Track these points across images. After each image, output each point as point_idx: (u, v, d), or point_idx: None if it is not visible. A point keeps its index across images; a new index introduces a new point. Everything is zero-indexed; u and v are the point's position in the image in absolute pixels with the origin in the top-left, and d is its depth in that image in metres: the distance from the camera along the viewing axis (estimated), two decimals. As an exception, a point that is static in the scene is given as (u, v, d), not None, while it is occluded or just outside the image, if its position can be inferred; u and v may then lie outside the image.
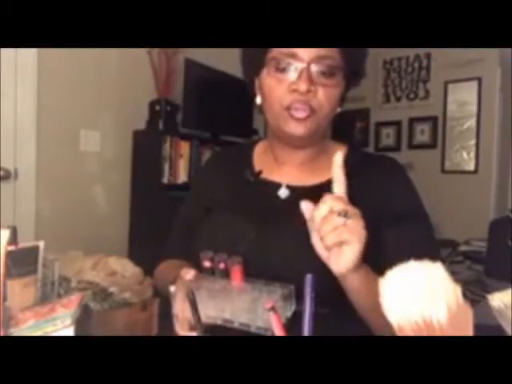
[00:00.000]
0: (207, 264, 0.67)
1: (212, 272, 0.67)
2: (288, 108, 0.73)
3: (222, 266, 0.65)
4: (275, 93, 0.74)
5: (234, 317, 0.59)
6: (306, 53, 0.71)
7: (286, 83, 0.73)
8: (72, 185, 2.30)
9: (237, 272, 0.64)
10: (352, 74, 0.78)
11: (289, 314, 0.60)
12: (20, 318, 0.64)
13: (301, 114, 0.73)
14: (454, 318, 0.42)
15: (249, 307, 0.59)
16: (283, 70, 0.73)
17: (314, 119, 0.74)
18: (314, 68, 0.72)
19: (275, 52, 0.73)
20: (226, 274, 0.65)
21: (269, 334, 0.56)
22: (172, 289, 0.63)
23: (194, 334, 0.62)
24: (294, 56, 0.72)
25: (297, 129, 0.74)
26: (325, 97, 0.73)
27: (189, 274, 0.66)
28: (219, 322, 0.60)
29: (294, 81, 0.72)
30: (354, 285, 0.63)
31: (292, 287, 0.61)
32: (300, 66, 0.72)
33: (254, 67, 0.78)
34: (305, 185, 0.79)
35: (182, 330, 0.63)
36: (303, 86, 0.71)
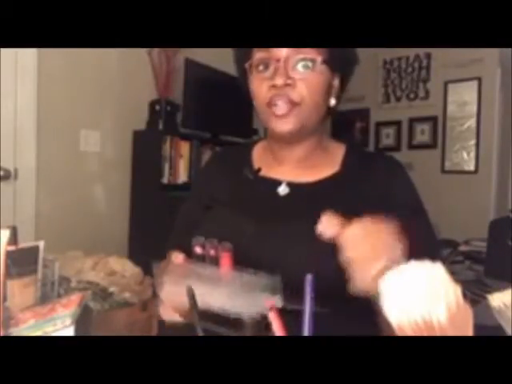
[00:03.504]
0: (198, 250, 0.67)
1: (203, 259, 0.67)
2: (268, 105, 0.74)
3: (212, 252, 0.66)
4: (258, 93, 0.76)
5: (221, 303, 0.59)
6: (281, 48, 0.72)
7: (266, 82, 0.74)
8: (72, 185, 2.30)
9: (226, 259, 0.64)
10: (338, 60, 0.77)
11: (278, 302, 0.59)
12: (20, 318, 0.64)
13: (281, 111, 0.74)
14: (454, 318, 0.42)
15: (235, 294, 0.59)
16: (263, 70, 0.75)
17: (298, 113, 0.74)
18: (290, 61, 0.73)
19: (256, 54, 0.75)
20: (216, 260, 0.66)
21: (254, 320, 0.56)
22: (157, 269, 0.63)
23: (177, 317, 0.62)
24: (270, 54, 0.73)
25: (281, 126, 0.75)
26: (305, 87, 0.73)
27: (178, 258, 0.66)
28: (205, 306, 0.60)
29: (271, 77, 0.73)
30: None
31: (279, 277, 0.59)
32: (276, 62, 0.73)
33: (242, 69, 0.80)
34: (303, 182, 0.79)
35: (166, 314, 0.62)
36: (279, 81, 0.72)
